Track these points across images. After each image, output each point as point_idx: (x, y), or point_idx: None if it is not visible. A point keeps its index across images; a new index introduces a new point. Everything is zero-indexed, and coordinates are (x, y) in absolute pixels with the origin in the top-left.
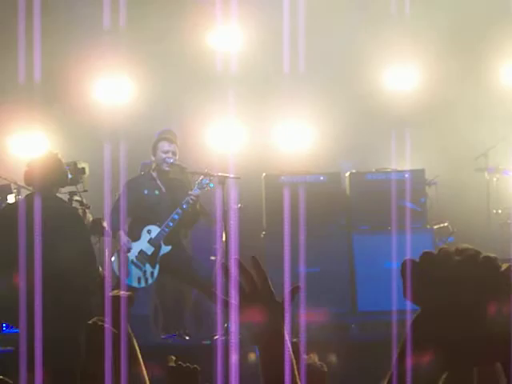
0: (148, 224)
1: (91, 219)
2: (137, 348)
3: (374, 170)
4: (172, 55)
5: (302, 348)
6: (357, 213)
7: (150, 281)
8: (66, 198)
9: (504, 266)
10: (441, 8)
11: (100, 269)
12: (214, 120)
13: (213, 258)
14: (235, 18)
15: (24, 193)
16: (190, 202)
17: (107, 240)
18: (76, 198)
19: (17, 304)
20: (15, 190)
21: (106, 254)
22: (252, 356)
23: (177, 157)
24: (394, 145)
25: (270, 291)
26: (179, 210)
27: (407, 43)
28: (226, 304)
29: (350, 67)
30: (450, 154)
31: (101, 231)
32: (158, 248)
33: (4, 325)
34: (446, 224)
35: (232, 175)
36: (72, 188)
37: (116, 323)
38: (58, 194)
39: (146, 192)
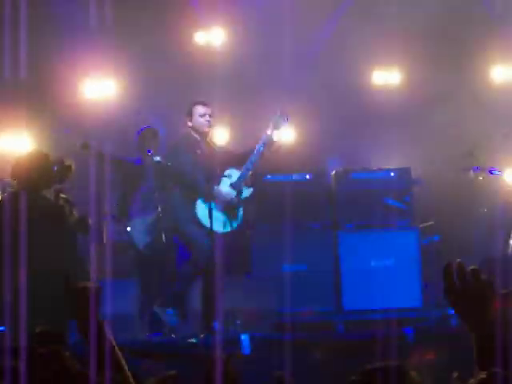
0: (209, 180)
1: (77, 217)
2: (119, 355)
3: (359, 168)
4: (158, 52)
5: None
6: (342, 211)
7: (234, 224)
8: (51, 195)
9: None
10: (428, 5)
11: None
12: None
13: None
14: (221, 16)
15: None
16: (266, 141)
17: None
18: (62, 195)
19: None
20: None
21: (92, 250)
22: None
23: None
24: (380, 143)
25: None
26: (258, 150)
27: (392, 41)
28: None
29: (336, 65)
30: (436, 152)
31: (87, 229)
32: (239, 191)
33: None
34: (431, 223)
35: None
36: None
37: (85, 314)
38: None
39: (198, 152)
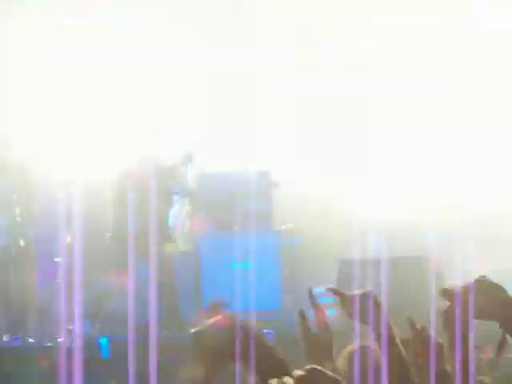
0: None
1: None
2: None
3: (218, 169)
4: None
5: None
6: (203, 214)
7: None
8: None
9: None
10: None
11: None
12: None
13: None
14: None
15: None
16: None
17: None
18: None
19: None
20: None
21: None
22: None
23: None
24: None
25: None
26: None
27: None
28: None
29: None
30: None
31: None
32: None
33: None
34: (291, 225)
35: None
36: None
37: None
38: None
39: None
